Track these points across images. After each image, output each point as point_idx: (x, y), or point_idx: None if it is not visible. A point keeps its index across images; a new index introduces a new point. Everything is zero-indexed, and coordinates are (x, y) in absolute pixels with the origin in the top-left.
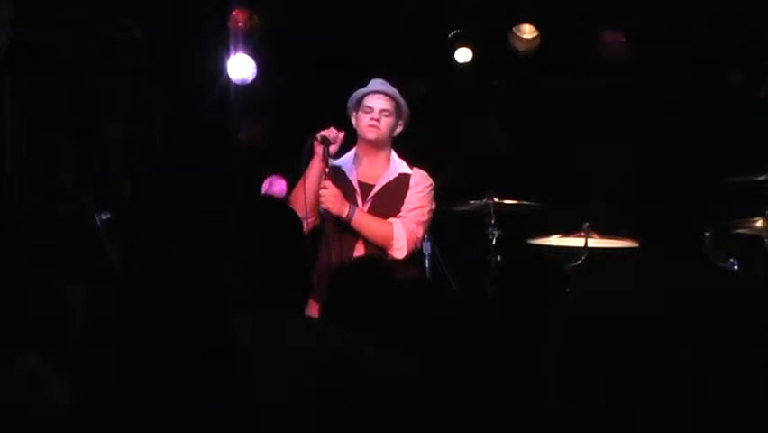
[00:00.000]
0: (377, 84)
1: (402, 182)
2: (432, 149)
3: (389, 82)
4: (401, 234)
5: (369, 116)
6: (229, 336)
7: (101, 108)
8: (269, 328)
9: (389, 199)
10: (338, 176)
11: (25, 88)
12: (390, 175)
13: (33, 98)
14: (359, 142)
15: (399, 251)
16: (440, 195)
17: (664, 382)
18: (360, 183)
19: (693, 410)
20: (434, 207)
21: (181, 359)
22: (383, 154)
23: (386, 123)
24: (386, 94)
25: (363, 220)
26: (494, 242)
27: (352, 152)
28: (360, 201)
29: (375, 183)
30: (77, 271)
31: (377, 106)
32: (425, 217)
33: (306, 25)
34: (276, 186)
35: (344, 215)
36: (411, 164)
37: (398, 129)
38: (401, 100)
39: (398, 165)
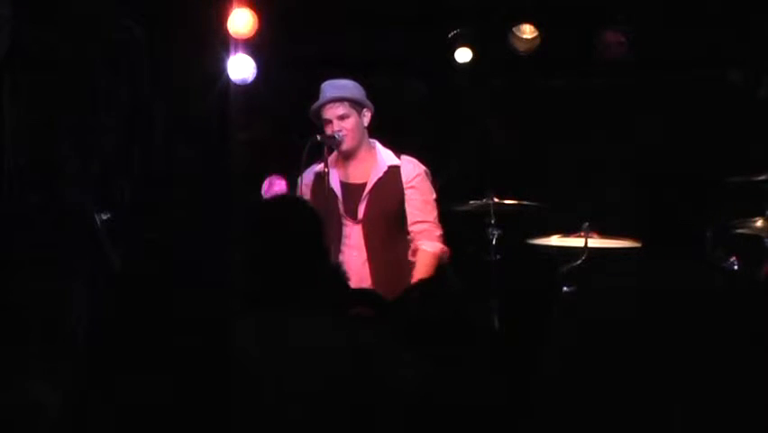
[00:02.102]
0: (326, 92)
1: (394, 174)
2: (432, 149)
3: (343, 76)
4: (437, 250)
5: (330, 128)
6: (229, 336)
7: (101, 108)
8: (302, 327)
9: (384, 194)
10: (319, 182)
11: (25, 88)
12: (380, 170)
13: (33, 98)
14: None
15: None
16: (440, 195)
17: (664, 382)
18: (352, 185)
19: (693, 409)
20: (434, 194)
21: (180, 358)
22: (367, 151)
23: (349, 125)
24: (336, 100)
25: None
26: (494, 242)
27: (332, 157)
28: (341, 206)
29: (366, 181)
30: (77, 271)
31: (334, 116)
32: (436, 211)
33: (306, 25)
34: (276, 186)
35: None
36: (398, 153)
37: (366, 118)
38: (355, 95)
39: (386, 158)
